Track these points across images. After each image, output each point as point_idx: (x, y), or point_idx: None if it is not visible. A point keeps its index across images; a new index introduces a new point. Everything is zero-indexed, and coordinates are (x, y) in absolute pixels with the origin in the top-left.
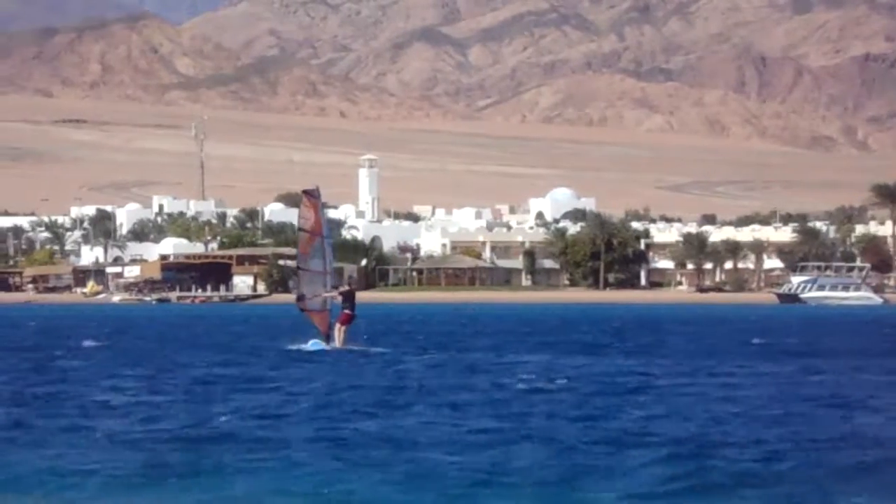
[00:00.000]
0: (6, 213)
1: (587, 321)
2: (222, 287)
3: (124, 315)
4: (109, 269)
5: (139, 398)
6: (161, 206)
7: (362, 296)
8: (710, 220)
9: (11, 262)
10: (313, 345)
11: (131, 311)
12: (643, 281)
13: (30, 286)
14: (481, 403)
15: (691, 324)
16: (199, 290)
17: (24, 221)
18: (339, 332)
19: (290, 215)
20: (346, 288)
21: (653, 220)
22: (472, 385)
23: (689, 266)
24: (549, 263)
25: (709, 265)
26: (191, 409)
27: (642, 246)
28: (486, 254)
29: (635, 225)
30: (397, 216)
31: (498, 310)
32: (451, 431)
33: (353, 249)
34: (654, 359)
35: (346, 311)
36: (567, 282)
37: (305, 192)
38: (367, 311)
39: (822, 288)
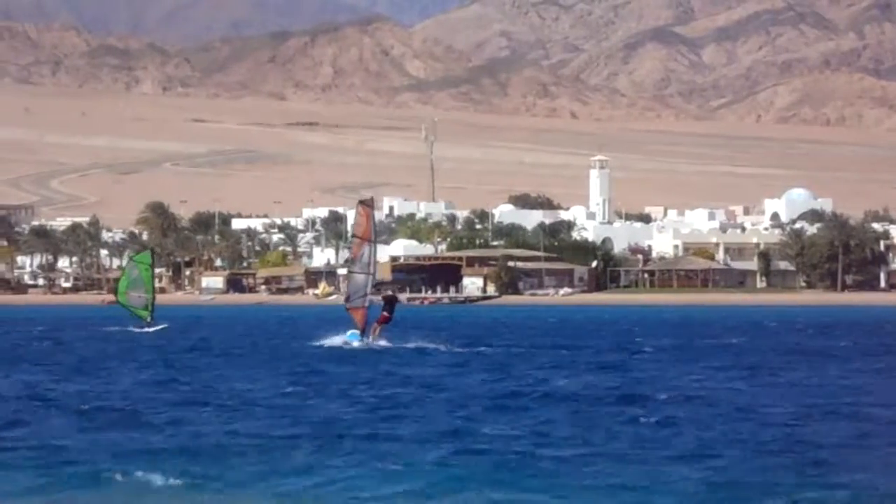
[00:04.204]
0: (240, 215)
1: None
2: (452, 288)
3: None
4: (340, 271)
5: None
6: (391, 208)
7: (588, 298)
8: None
9: (245, 264)
10: (351, 336)
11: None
12: (882, 283)
13: (263, 287)
14: None
15: None
16: (429, 292)
17: (257, 223)
18: (374, 329)
19: (521, 217)
20: (389, 293)
21: (893, 222)
22: None
23: None
24: (784, 265)
25: None
26: None
27: (882, 247)
28: (720, 255)
29: (874, 226)
30: (628, 217)
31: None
32: None
33: (583, 251)
34: None
35: (385, 314)
36: (803, 284)
37: (361, 202)
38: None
39: None
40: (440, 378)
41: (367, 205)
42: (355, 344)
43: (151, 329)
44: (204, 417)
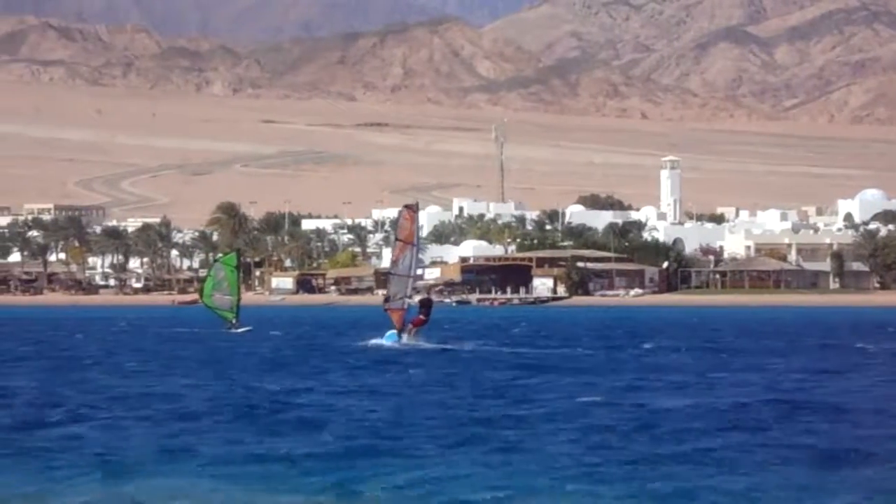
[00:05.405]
0: (310, 216)
1: None
2: (522, 289)
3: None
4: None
5: None
6: (461, 209)
7: (659, 299)
8: None
9: (315, 264)
10: (388, 337)
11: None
12: None
13: (332, 288)
14: None
15: None
16: (499, 292)
17: (327, 224)
18: (409, 330)
19: (592, 217)
20: (425, 297)
21: None
22: None
23: None
24: (857, 266)
25: None
26: None
27: None
28: (792, 256)
29: None
30: (700, 218)
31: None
32: None
33: (654, 252)
34: None
35: (421, 317)
36: (877, 285)
37: (406, 206)
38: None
39: None
40: None
41: (412, 209)
42: (392, 344)
43: (240, 330)
44: None
